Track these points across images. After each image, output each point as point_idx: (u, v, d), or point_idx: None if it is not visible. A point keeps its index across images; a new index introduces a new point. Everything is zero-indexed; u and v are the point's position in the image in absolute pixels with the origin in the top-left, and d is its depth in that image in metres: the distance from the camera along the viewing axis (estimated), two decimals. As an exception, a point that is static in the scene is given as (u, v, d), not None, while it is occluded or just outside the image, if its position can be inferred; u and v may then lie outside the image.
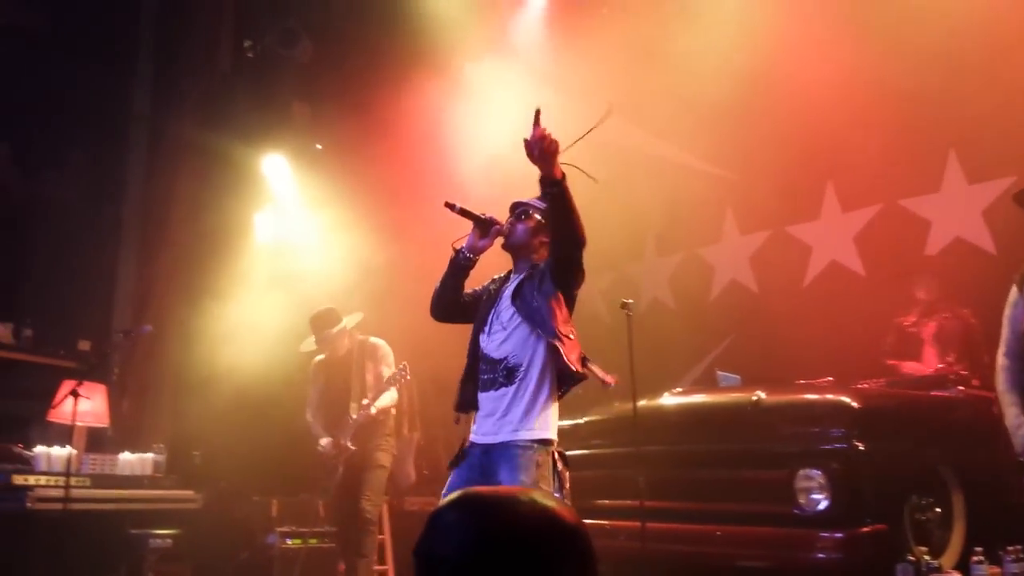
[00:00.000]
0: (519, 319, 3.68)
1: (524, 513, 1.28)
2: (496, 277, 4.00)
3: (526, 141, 3.47)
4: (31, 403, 6.93)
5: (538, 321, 3.64)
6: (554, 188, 3.53)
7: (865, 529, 4.22)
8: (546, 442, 3.60)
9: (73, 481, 5.55)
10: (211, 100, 8.90)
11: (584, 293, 9.02)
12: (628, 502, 4.77)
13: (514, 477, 3.50)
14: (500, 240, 3.85)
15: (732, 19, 6.82)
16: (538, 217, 3.85)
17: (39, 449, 6.03)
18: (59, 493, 5.45)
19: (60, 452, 5.97)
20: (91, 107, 8.50)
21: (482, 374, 3.73)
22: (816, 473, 4.33)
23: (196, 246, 8.50)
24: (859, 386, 5.03)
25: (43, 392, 6.56)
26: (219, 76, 9.17)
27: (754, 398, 4.78)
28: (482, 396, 3.72)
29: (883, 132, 6.27)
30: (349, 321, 5.97)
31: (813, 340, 6.14)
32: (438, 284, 3.92)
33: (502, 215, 3.89)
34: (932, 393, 5.06)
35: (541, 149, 3.46)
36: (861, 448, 4.31)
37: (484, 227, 3.81)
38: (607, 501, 5.29)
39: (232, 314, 7.39)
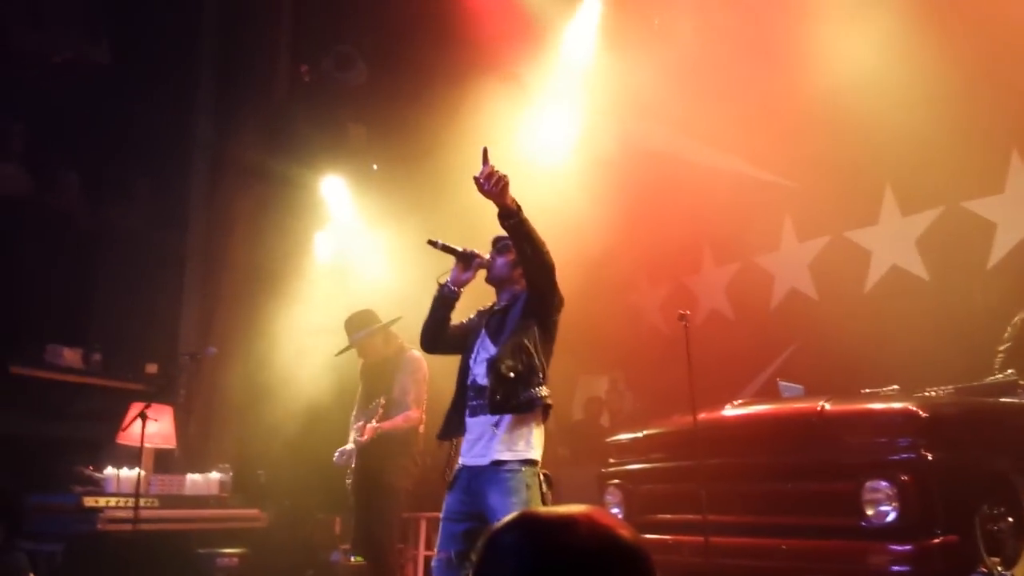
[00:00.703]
0: (507, 336, 3.83)
1: (582, 534, 1.26)
2: (481, 309, 4.18)
3: (476, 179, 3.64)
4: (101, 426, 7.09)
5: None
6: (511, 219, 3.70)
7: (935, 541, 4.09)
8: (532, 463, 3.73)
9: (142, 502, 5.67)
10: (270, 125, 9.08)
11: (641, 305, 9.04)
12: (690, 516, 4.71)
13: (504, 500, 3.62)
14: (483, 273, 4.04)
15: (786, 27, 6.75)
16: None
17: (109, 471, 6.19)
18: (129, 514, 5.57)
19: (129, 473, 6.11)
20: (155, 137, 8.71)
21: (470, 400, 3.90)
22: (884, 484, 4.22)
23: (258, 268, 8.65)
24: (926, 394, 4.90)
25: (112, 415, 6.70)
26: (277, 102, 9.36)
27: (818, 408, 4.68)
28: (470, 421, 3.88)
29: (943, 133, 6.13)
30: (380, 325, 5.71)
31: (877, 347, 6.01)
32: (426, 318, 4.10)
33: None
34: (1002, 400, 4.91)
35: (490, 185, 3.61)
36: (930, 458, 4.18)
37: (466, 261, 4.02)
38: (669, 515, 5.23)
39: (295, 334, 7.50)
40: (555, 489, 3.92)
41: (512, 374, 3.73)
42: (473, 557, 1.32)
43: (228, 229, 8.92)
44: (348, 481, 5.62)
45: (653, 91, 7.25)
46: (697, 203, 7.54)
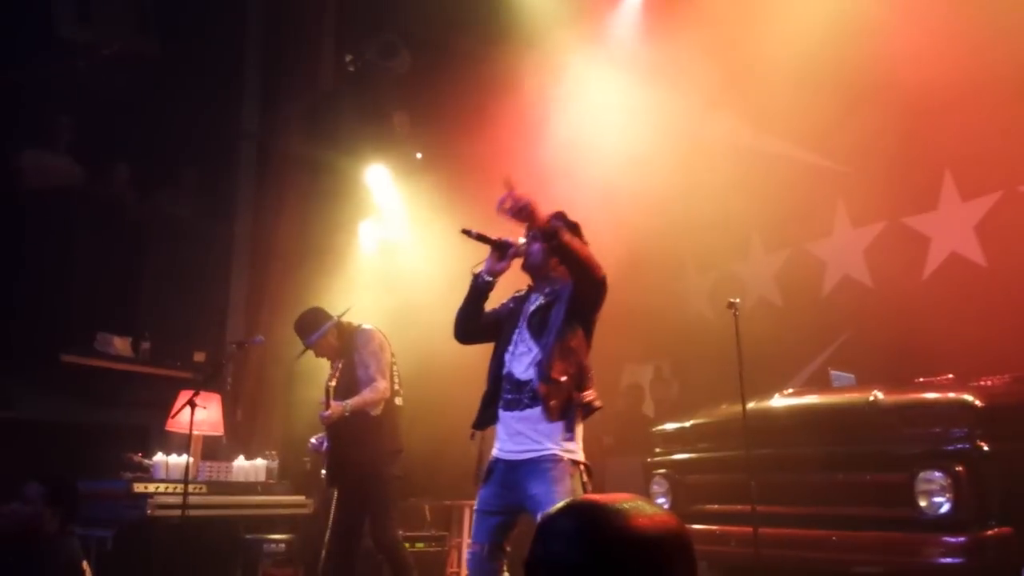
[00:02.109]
0: (552, 338, 3.72)
1: (636, 521, 1.30)
2: (516, 295, 4.08)
3: (500, 211, 3.58)
4: (150, 413, 7.20)
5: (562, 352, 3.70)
6: (552, 241, 3.62)
7: (990, 532, 3.99)
8: (572, 452, 3.67)
9: (191, 488, 5.70)
10: (315, 115, 9.13)
11: (688, 292, 8.92)
12: (739, 507, 4.65)
13: (548, 488, 3.55)
14: (519, 261, 3.94)
15: (838, 7, 6.59)
16: None
17: (158, 457, 6.27)
18: (177, 500, 5.61)
19: (178, 460, 6.18)
20: (202, 128, 8.80)
21: (506, 393, 3.79)
22: (938, 475, 4.11)
23: (304, 257, 8.72)
24: (982, 383, 4.75)
25: (161, 402, 6.80)
26: (322, 92, 9.40)
27: (871, 398, 4.57)
28: (505, 415, 3.78)
29: (1004, 114, 5.93)
30: (331, 323, 5.47)
31: (933, 336, 5.83)
32: (460, 308, 4.01)
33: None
34: (1061, 388, 4.75)
35: (517, 210, 3.55)
36: (985, 448, 4.07)
37: (501, 250, 3.91)
38: (717, 506, 5.16)
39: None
40: (600, 478, 3.88)
41: (564, 377, 3.67)
42: (529, 545, 1.36)
43: (274, 218, 9.00)
44: (323, 472, 5.46)
45: (700, 75, 7.13)
46: (745, 189, 7.40)
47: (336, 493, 5.37)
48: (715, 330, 6.55)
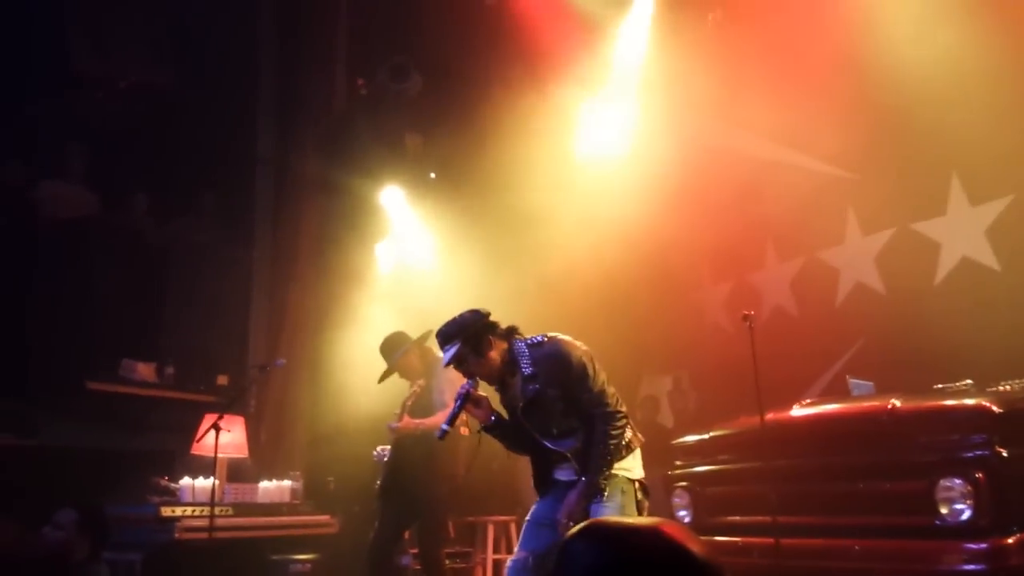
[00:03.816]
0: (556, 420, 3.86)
1: (650, 545, 1.29)
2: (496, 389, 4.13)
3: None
4: (175, 437, 7.27)
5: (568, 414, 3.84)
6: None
7: (1011, 539, 3.98)
8: (626, 470, 3.80)
9: (217, 511, 5.76)
10: (330, 138, 9.23)
11: (704, 303, 8.93)
12: (760, 518, 4.65)
13: (599, 504, 3.68)
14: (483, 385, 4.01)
15: (846, 16, 6.64)
16: (466, 356, 3.91)
17: (184, 481, 6.34)
18: (204, 523, 5.67)
19: (204, 483, 6.25)
20: (219, 154, 8.91)
21: (553, 459, 3.95)
22: (958, 482, 4.11)
23: (323, 279, 8.81)
24: (1000, 389, 4.76)
25: (185, 426, 6.88)
26: (336, 114, 9.51)
27: (889, 406, 4.59)
28: (559, 471, 3.96)
29: (1011, 119, 5.96)
30: (416, 340, 5.78)
31: (948, 341, 5.85)
32: (505, 446, 4.16)
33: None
34: (1080, 393, 4.75)
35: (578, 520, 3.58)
36: (1005, 454, 4.07)
37: (474, 402, 3.95)
38: (738, 517, 5.17)
39: (359, 343, 7.60)
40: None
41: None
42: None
43: (293, 241, 9.10)
44: (378, 482, 5.69)
45: (710, 87, 7.19)
46: (759, 199, 7.45)
47: (383, 505, 5.62)
48: (732, 340, 6.59)
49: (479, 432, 4.12)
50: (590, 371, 3.80)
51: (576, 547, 1.33)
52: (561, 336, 3.93)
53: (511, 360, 3.90)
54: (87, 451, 7.24)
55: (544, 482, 4.01)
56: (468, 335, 3.86)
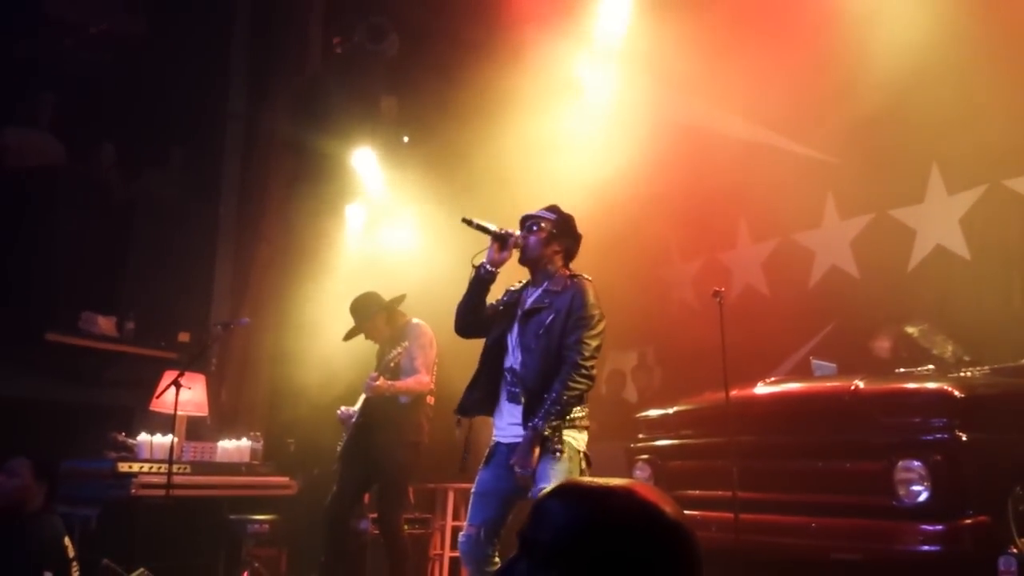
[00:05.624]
0: (542, 346, 3.81)
1: (624, 505, 1.30)
2: (511, 288, 4.10)
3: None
4: (134, 393, 7.19)
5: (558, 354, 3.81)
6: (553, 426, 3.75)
7: (967, 521, 4.05)
8: (573, 438, 3.75)
9: (175, 468, 5.71)
10: (303, 97, 9.09)
11: (671, 279, 8.93)
12: (721, 493, 4.68)
13: (545, 464, 3.64)
14: (517, 254, 3.97)
15: (828, 1, 6.62)
16: (548, 227, 3.93)
17: (142, 437, 6.26)
18: (161, 480, 5.61)
19: (162, 440, 6.18)
20: (189, 108, 8.75)
21: (507, 385, 3.89)
22: (916, 464, 4.17)
23: (290, 239, 8.70)
24: (962, 374, 4.81)
25: (145, 382, 6.80)
26: (310, 73, 9.35)
27: (852, 387, 4.63)
28: (508, 405, 3.88)
29: (991, 108, 5.97)
30: (386, 304, 5.72)
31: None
32: (461, 302, 4.04)
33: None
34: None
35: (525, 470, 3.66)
36: (963, 438, 4.13)
37: (502, 241, 3.91)
38: (698, 491, 5.20)
39: (325, 305, 7.52)
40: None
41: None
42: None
43: (261, 199, 8.97)
44: (339, 445, 5.64)
45: (689, 63, 7.13)
46: (734, 178, 7.43)
47: (343, 467, 5.58)
48: (699, 318, 6.60)
49: (472, 265, 4.04)
50: (596, 328, 3.83)
51: (551, 506, 1.33)
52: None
53: (555, 269, 3.96)
54: (44, 404, 7.15)
55: (490, 399, 3.98)
56: (570, 227, 3.99)
